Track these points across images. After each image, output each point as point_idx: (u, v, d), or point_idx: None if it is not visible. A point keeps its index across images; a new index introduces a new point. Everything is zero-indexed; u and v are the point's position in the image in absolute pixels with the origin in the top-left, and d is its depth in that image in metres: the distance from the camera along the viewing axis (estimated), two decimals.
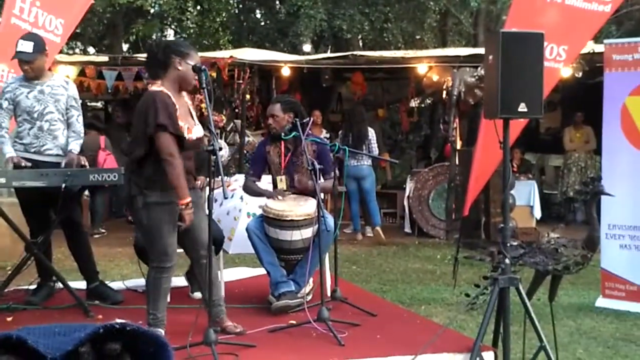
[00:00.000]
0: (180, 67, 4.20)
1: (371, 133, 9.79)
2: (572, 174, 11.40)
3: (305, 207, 5.00)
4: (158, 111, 4.06)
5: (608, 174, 6.21)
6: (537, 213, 10.41)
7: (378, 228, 9.75)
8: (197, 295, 5.31)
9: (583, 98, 10.32)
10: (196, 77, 4.21)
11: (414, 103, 14.13)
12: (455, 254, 6.04)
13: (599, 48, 8.04)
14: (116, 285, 5.88)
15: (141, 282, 5.64)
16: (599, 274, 6.38)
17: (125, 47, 18.21)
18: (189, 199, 4.10)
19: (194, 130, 4.27)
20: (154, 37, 17.36)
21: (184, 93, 4.36)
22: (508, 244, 4.11)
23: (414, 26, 16.44)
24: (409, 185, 10.58)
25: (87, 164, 5.34)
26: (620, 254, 6.20)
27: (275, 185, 5.40)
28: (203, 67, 4.20)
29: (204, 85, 4.14)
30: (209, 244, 4.12)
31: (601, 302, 6.25)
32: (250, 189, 5.41)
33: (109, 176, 4.97)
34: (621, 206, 6.08)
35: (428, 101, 15.16)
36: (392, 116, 15.77)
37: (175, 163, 4.06)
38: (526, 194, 10.36)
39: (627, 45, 6.28)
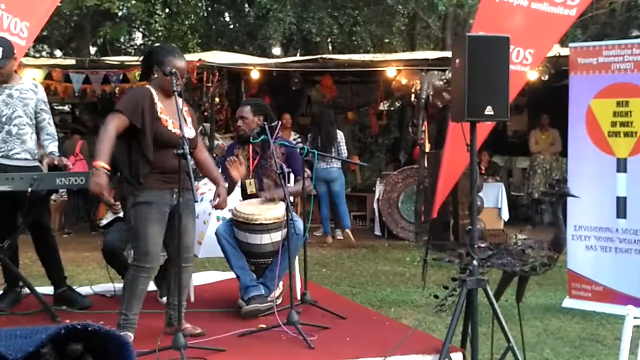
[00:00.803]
0: (156, 75, 4.33)
1: (340, 136, 9.83)
2: (538, 175, 11.54)
3: (274, 211, 5.00)
4: (122, 99, 4.25)
5: (574, 175, 6.30)
6: (505, 215, 10.52)
7: (348, 231, 9.79)
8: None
9: (549, 101, 10.45)
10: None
11: (383, 106, 14.18)
12: (424, 256, 6.07)
13: (565, 51, 8.15)
14: (84, 290, 5.83)
15: (109, 287, 5.61)
16: (565, 275, 6.45)
17: (92, 50, 18.07)
18: (100, 163, 4.00)
19: (184, 129, 4.22)
20: (121, 39, 17.25)
21: (179, 100, 4.36)
22: (476, 246, 4.15)
23: (383, 30, 16.52)
24: (379, 188, 10.62)
25: (69, 164, 5.30)
26: (586, 255, 6.28)
27: (243, 189, 5.40)
28: (174, 70, 4.19)
29: (174, 89, 4.14)
30: (178, 248, 4.11)
31: (568, 302, 6.33)
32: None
33: (76, 180, 4.91)
34: (587, 207, 6.16)
35: (397, 104, 15.24)
36: (361, 119, 15.83)
37: (103, 130, 4.10)
38: (494, 196, 10.46)
39: (591, 48, 6.37)
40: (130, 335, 4.22)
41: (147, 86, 4.34)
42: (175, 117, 4.22)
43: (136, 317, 4.31)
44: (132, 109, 4.17)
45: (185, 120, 4.29)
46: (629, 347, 3.04)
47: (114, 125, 4.13)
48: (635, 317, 3.03)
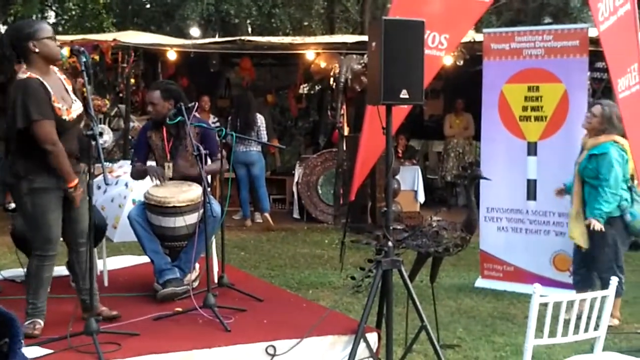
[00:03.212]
0: (37, 49, 4.01)
1: (260, 120, 9.78)
2: (451, 159, 11.76)
3: (188, 193, 4.93)
4: (29, 105, 3.90)
5: (486, 159, 6.46)
6: (421, 197, 10.70)
7: (267, 214, 9.78)
8: None
9: (464, 86, 10.64)
10: (58, 45, 4.09)
11: (302, 89, 14.16)
12: (342, 239, 6.12)
13: (479, 37, 8.30)
14: None
15: (19, 272, 5.44)
16: (478, 256, 6.62)
17: (2, 28, 17.41)
18: (76, 181, 4.03)
19: (73, 108, 4.12)
20: (33, 18, 16.65)
21: (55, 69, 4.21)
22: (392, 228, 4.20)
23: (302, 12, 16.52)
24: (298, 171, 10.64)
25: None
26: (498, 236, 6.46)
27: None
28: (82, 49, 4.07)
29: (84, 69, 4.01)
30: (89, 232, 4.01)
31: (480, 282, 6.50)
32: (137, 173, 5.30)
33: None
34: (499, 190, 6.33)
35: (316, 88, 15.26)
36: (281, 102, 15.80)
37: (58, 151, 3.97)
38: (410, 179, 10.62)
39: (504, 34, 6.52)
40: (39, 322, 4.11)
41: (28, 74, 3.97)
42: (62, 98, 4.07)
43: (45, 304, 4.20)
44: (45, 109, 3.95)
45: (69, 92, 4.16)
46: (535, 325, 3.13)
47: (54, 134, 3.95)
48: (541, 296, 3.12)
